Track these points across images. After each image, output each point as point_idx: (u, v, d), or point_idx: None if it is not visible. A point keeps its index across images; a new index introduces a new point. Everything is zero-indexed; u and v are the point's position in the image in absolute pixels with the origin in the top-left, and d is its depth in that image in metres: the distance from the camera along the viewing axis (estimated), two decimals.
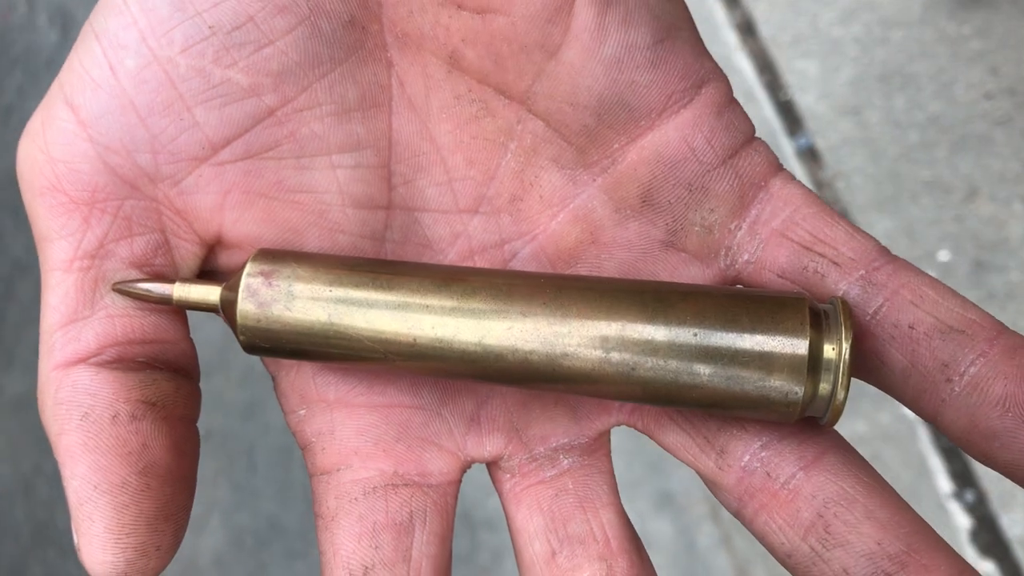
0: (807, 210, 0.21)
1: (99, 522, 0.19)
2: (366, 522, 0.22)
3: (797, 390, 0.19)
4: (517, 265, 0.23)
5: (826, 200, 1.07)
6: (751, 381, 0.19)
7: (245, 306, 0.21)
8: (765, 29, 1.15)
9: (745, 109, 0.22)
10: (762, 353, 0.19)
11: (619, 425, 0.23)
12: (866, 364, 0.21)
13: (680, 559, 1.08)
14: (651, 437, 0.22)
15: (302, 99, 0.21)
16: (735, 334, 0.19)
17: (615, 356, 0.20)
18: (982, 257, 1.03)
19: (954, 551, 0.19)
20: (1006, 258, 1.02)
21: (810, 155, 1.09)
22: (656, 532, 1.09)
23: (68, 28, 1.39)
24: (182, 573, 1.43)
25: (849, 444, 0.21)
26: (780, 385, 0.19)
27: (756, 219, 0.21)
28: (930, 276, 0.21)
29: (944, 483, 0.95)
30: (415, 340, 0.20)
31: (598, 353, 0.20)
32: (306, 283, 0.21)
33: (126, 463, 0.19)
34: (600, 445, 0.23)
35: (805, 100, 1.11)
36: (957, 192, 1.05)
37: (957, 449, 0.95)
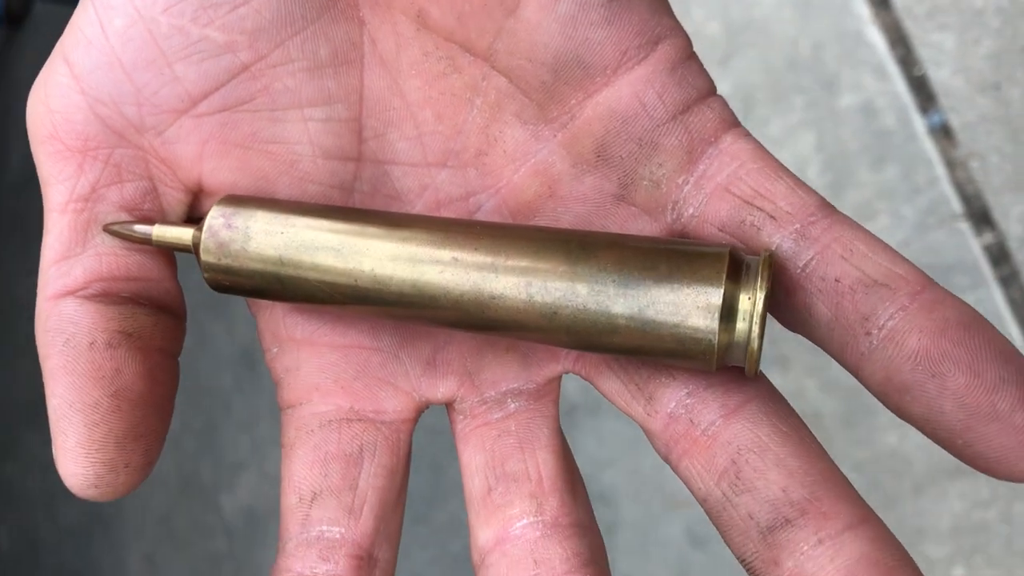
0: (752, 165, 0.21)
1: (72, 437, 0.21)
2: (319, 452, 0.23)
3: (711, 337, 0.19)
4: (480, 216, 0.24)
5: (958, 181, 1.03)
6: (666, 327, 0.20)
7: (207, 245, 0.23)
8: (900, 0, 1.10)
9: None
10: (676, 300, 0.20)
11: (567, 372, 0.23)
12: (797, 317, 0.21)
13: None
14: (592, 384, 0.23)
15: (275, 55, 0.23)
16: (651, 281, 0.20)
17: (538, 301, 0.21)
18: None
19: (861, 500, 0.19)
20: None
21: (943, 133, 1.05)
22: None
23: None
24: None
25: (780, 395, 0.21)
26: (693, 332, 0.20)
27: (703, 174, 0.22)
28: (867, 231, 0.20)
29: None
30: (356, 281, 0.22)
31: (523, 298, 0.21)
32: (261, 225, 0.22)
33: (99, 385, 0.21)
34: (548, 392, 0.24)
35: (940, 75, 1.06)
36: None
37: None
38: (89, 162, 0.23)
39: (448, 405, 0.24)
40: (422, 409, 0.24)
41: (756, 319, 0.19)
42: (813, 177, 1.10)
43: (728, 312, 0.19)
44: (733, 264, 0.20)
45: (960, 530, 1.04)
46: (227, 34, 0.22)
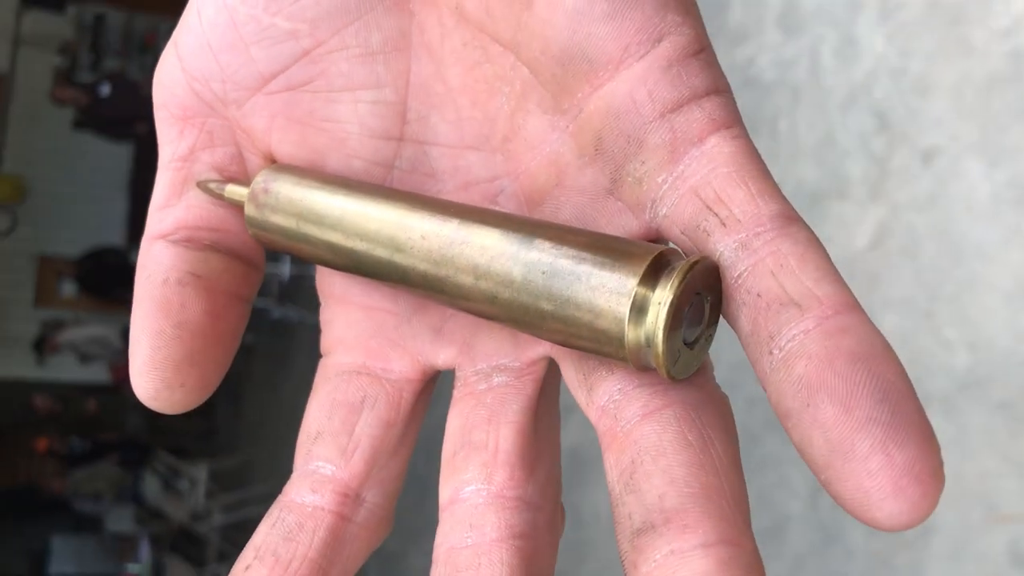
0: (723, 169, 0.21)
1: (140, 356, 0.25)
2: (329, 397, 0.26)
3: (620, 337, 0.19)
4: (502, 199, 0.25)
5: None
6: (583, 323, 0.20)
7: (248, 206, 0.26)
8: None
9: None
10: (592, 298, 0.20)
11: (548, 356, 0.24)
12: (732, 327, 0.20)
13: None
14: (560, 366, 0.24)
15: (333, 42, 0.25)
16: (574, 277, 0.20)
17: (482, 284, 0.22)
18: None
19: (737, 522, 0.18)
20: None
21: None
22: None
23: None
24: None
25: (713, 404, 0.21)
26: (605, 330, 0.20)
27: (680, 175, 0.21)
28: (812, 248, 0.19)
29: None
30: (351, 249, 0.24)
31: (470, 279, 0.22)
32: (288, 193, 0.25)
33: (165, 316, 0.25)
34: (530, 372, 0.24)
35: None
36: None
37: None
38: (188, 128, 0.27)
39: (455, 375, 0.26)
40: (428, 372, 0.26)
41: (660, 322, 0.19)
42: None
43: (639, 313, 0.19)
44: (655, 267, 0.20)
45: None
46: (291, 22, 0.25)
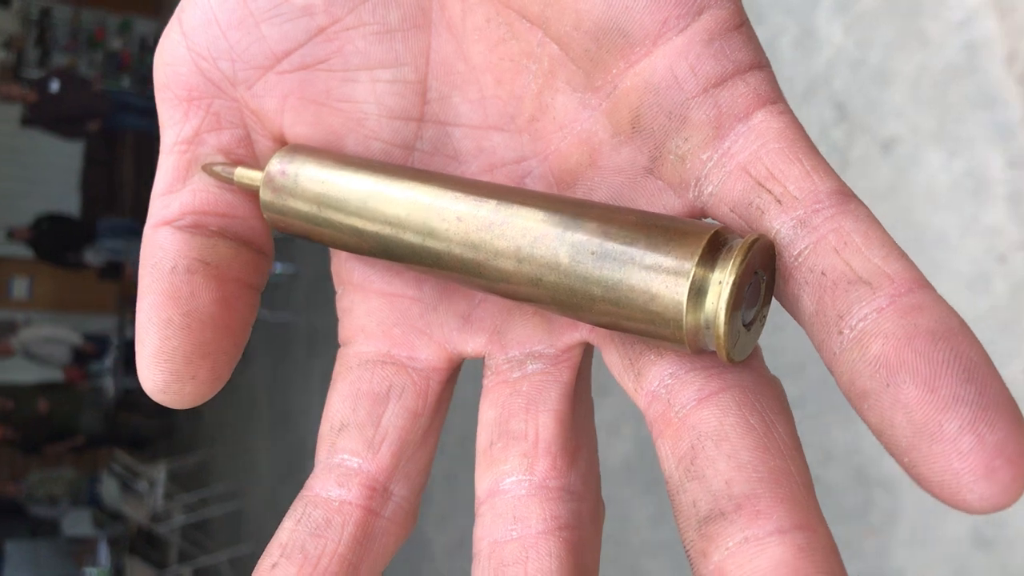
0: (774, 145, 0.20)
1: (148, 347, 0.24)
2: (353, 388, 0.25)
3: (678, 318, 0.19)
4: (529, 181, 0.24)
5: None
6: (637, 305, 0.19)
7: (264, 189, 0.25)
8: None
9: None
10: (647, 278, 0.19)
11: (585, 342, 0.23)
12: (789, 308, 0.20)
13: None
14: (601, 351, 0.23)
15: (349, 19, 0.24)
16: (627, 257, 0.20)
17: (525, 267, 0.21)
18: None
19: (808, 506, 0.18)
20: None
21: None
22: None
23: None
24: None
25: (769, 387, 0.20)
26: (662, 312, 0.19)
27: (727, 151, 0.21)
28: (874, 224, 0.19)
29: None
30: (378, 232, 0.23)
31: (512, 263, 0.21)
32: (308, 175, 0.24)
33: (174, 305, 0.24)
34: (566, 358, 0.24)
35: None
36: None
37: None
38: (193, 110, 0.26)
39: (484, 362, 0.25)
40: (455, 361, 0.25)
41: (722, 303, 0.19)
42: None
43: (697, 294, 0.19)
44: (712, 246, 0.19)
45: None
46: None
